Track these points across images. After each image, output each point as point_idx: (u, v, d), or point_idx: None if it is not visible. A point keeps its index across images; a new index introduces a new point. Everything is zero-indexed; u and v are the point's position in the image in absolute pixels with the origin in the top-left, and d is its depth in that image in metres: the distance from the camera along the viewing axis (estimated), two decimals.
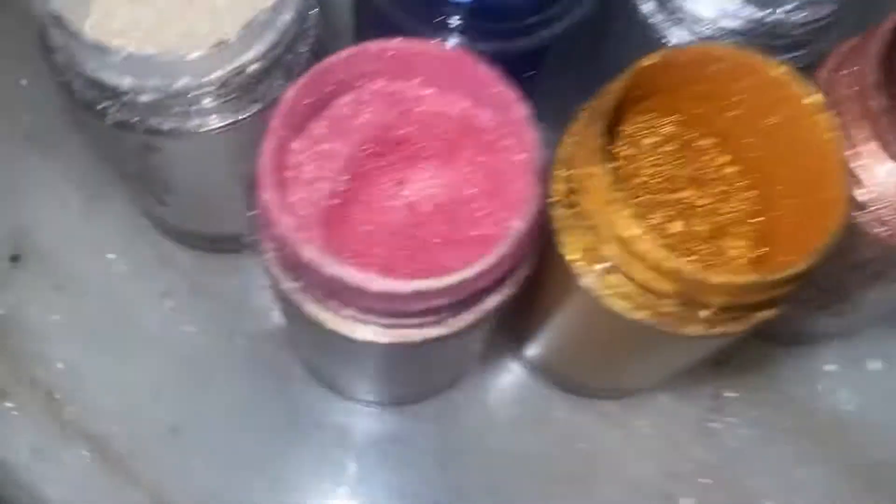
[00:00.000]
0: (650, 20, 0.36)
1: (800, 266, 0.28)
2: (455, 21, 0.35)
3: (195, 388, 0.42)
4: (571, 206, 0.31)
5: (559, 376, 0.42)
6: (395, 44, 0.30)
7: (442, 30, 0.35)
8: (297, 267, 0.28)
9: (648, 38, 0.36)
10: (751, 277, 0.28)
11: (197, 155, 0.33)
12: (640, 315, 0.30)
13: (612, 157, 0.33)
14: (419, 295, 0.27)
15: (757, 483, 0.42)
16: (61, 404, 0.41)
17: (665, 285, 0.29)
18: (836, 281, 0.37)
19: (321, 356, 0.38)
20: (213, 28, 0.34)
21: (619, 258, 0.29)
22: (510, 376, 0.44)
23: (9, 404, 0.41)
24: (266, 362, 0.43)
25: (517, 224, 0.28)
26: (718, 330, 0.31)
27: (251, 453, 0.41)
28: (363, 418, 0.42)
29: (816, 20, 0.35)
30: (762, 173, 0.34)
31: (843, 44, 0.35)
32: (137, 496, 0.40)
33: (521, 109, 0.29)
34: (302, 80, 0.28)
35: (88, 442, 0.41)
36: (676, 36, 0.36)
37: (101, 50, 0.29)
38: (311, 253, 0.27)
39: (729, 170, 0.36)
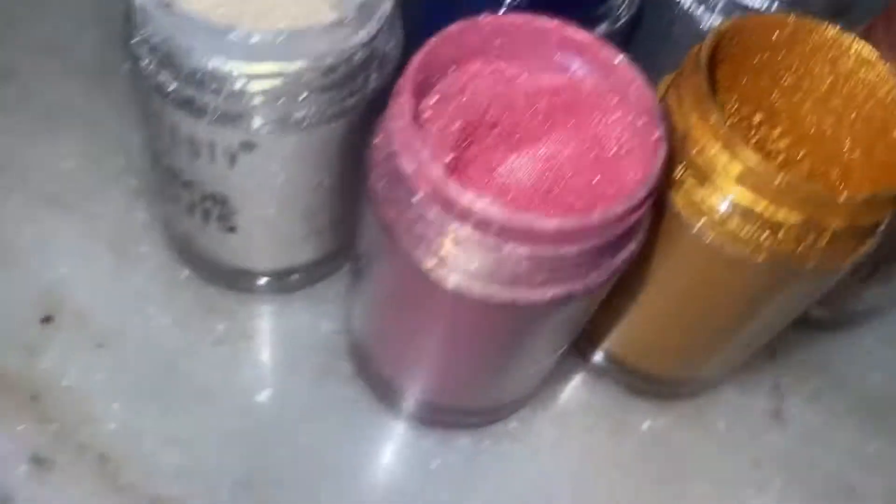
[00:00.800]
0: (692, 11, 0.39)
1: None
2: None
3: (263, 436, 0.39)
4: (678, 161, 0.32)
5: (634, 375, 0.42)
6: (497, 18, 0.31)
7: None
8: (435, 210, 0.27)
9: (688, 29, 0.39)
10: (871, 193, 0.29)
11: (291, 154, 0.33)
12: (761, 257, 0.31)
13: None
14: (562, 235, 0.27)
15: (835, 461, 0.43)
16: (117, 467, 0.37)
17: (789, 213, 0.30)
18: (887, 235, 0.39)
19: (408, 334, 0.36)
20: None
21: (740, 196, 0.30)
22: (578, 388, 0.43)
23: (57, 473, 0.37)
24: (332, 401, 0.41)
25: (651, 170, 0.29)
26: (832, 263, 0.32)
27: (327, 498, 0.38)
28: (441, 447, 0.40)
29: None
30: (818, 140, 0.37)
31: (865, 24, 0.39)
32: None
33: (628, 66, 0.31)
34: (427, 46, 0.29)
35: None
36: (716, 24, 0.39)
37: (215, 31, 0.28)
38: (454, 185, 0.26)
39: (782, 142, 0.38)
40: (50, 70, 0.48)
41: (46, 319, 0.40)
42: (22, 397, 0.38)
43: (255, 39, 0.28)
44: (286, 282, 0.42)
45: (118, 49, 0.32)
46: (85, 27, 0.49)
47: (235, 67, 0.29)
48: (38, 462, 0.37)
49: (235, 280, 0.41)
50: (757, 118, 0.38)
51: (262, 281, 0.42)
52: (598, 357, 0.43)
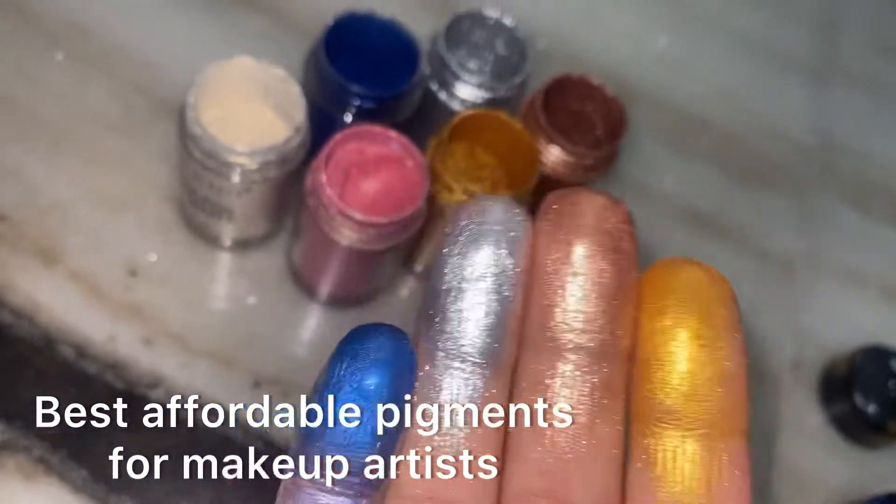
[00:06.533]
0: (444, 101, 0.81)
1: (531, 181, 0.74)
2: (354, 110, 0.78)
3: (249, 319, 0.80)
4: (437, 180, 0.75)
5: None
6: (357, 128, 0.72)
7: (347, 113, 0.77)
8: (334, 214, 0.69)
9: (443, 110, 0.82)
10: (513, 192, 0.73)
11: (267, 191, 0.73)
12: None
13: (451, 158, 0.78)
14: (395, 222, 0.70)
15: None
16: None
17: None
18: None
19: (321, 264, 0.78)
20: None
21: (462, 194, 0.74)
22: (412, 284, 0.86)
23: None
24: (286, 297, 0.82)
25: (424, 187, 0.71)
26: None
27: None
28: (343, 316, 0.83)
29: (516, 94, 0.82)
30: (506, 162, 0.80)
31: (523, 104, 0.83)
32: None
33: (412, 146, 0.73)
34: (329, 143, 0.70)
35: None
36: (457, 106, 0.81)
37: (231, 147, 0.68)
38: (341, 205, 0.68)
39: (486, 171, 0.82)
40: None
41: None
42: None
43: (254, 149, 0.69)
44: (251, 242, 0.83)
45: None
46: None
47: (245, 161, 0.69)
48: None
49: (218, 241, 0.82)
50: (475, 160, 0.82)
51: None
52: (418, 268, 0.86)
